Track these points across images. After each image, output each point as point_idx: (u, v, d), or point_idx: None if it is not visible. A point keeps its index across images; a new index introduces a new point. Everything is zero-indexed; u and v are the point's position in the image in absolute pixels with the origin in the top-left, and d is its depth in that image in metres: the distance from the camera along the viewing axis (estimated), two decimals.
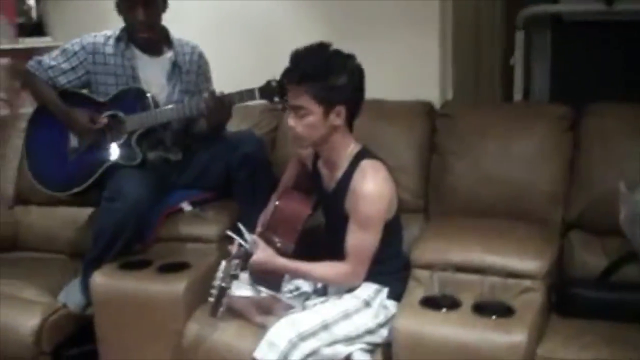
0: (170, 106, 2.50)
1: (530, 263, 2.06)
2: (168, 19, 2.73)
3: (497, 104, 2.95)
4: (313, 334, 1.95)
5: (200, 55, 2.69)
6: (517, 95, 3.17)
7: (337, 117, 2.04)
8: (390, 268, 2.14)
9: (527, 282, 2.05)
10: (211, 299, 1.94)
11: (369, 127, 2.63)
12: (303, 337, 1.94)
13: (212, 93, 2.43)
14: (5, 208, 2.93)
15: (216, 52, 2.78)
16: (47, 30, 3.37)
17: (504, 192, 2.44)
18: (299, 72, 2.02)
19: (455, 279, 2.07)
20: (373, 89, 2.78)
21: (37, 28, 3.35)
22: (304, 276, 2.15)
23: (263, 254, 2.07)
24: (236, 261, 1.94)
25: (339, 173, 2.12)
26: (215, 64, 2.75)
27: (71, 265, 2.69)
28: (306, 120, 2.03)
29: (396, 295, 2.13)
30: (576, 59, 3.10)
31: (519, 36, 3.13)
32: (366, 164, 2.06)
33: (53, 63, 2.53)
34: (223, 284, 1.91)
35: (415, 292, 2.11)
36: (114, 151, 2.51)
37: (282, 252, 2.13)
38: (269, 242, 2.13)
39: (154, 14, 2.52)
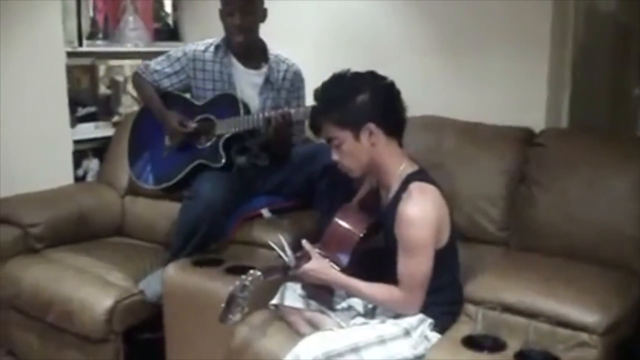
0: (251, 115, 2.58)
1: (589, 315, 1.85)
2: (283, 36, 2.88)
3: (598, 134, 2.67)
4: (340, 354, 1.91)
5: (295, 74, 2.75)
6: None
7: (371, 136, 2.02)
8: (439, 299, 2.04)
9: (584, 336, 1.84)
10: (222, 305, 1.97)
11: (460, 150, 2.58)
12: (329, 357, 1.90)
13: (281, 112, 2.49)
14: (118, 197, 3.20)
15: (328, 68, 2.83)
16: (182, 35, 3.63)
17: (589, 233, 2.23)
18: (320, 106, 2.09)
19: (503, 319, 1.92)
20: (476, 110, 2.73)
21: (172, 33, 3.62)
22: (356, 293, 2.11)
23: (317, 263, 2.08)
24: (258, 273, 1.95)
25: (391, 195, 2.07)
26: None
27: (163, 255, 2.86)
28: (343, 150, 2.04)
29: (443, 328, 2.03)
30: None
31: None
32: (414, 186, 1.99)
33: (158, 67, 2.72)
34: (233, 291, 1.93)
35: (462, 328, 2.00)
36: (202, 152, 2.64)
37: None
38: None
39: (250, 20, 2.63)
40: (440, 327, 2.03)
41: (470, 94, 2.81)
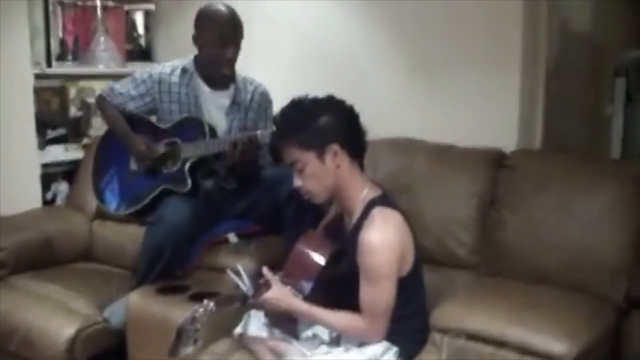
0: (217, 138, 2.53)
1: (556, 344, 1.79)
2: (257, 58, 2.85)
3: (569, 155, 2.64)
4: None
5: (262, 95, 2.71)
6: (615, 151, 2.82)
7: (335, 157, 1.96)
8: (405, 328, 1.98)
9: None
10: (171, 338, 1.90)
11: (429, 173, 2.53)
12: None
13: (248, 135, 2.45)
14: (86, 221, 3.13)
15: (302, 90, 2.80)
16: (154, 56, 3.58)
17: (560, 258, 2.18)
18: (281, 130, 2.03)
19: (469, 348, 1.87)
20: (448, 130, 2.69)
21: (144, 54, 3.57)
22: (318, 321, 2.04)
23: (277, 291, 2.00)
24: (211, 305, 1.87)
25: (353, 221, 2.01)
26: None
27: (130, 282, 2.79)
28: (306, 173, 1.98)
29: (409, 356, 1.97)
30: None
31: (620, 83, 2.78)
32: (376, 212, 1.94)
33: (123, 90, 2.66)
34: (182, 324, 1.85)
35: (428, 357, 1.94)
36: (168, 177, 2.58)
37: None
38: None
39: (238, 51, 2.60)
40: (406, 355, 1.97)
41: (443, 114, 2.77)
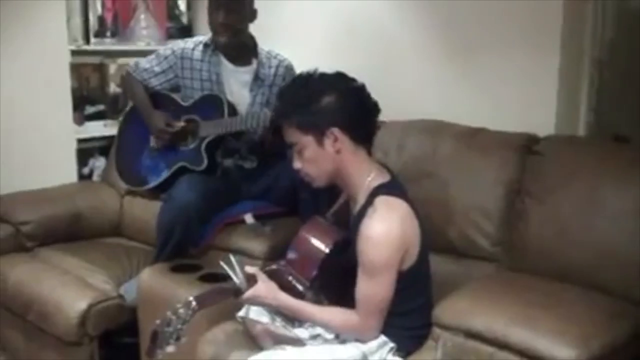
0: (235, 117, 2.47)
1: (563, 349, 1.63)
2: (290, 37, 2.79)
3: (605, 143, 2.41)
4: None
5: (287, 68, 2.63)
6: None
7: (335, 142, 1.83)
8: (407, 323, 1.88)
9: None
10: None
11: (455, 157, 2.38)
12: None
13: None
14: (117, 196, 3.14)
15: (334, 62, 2.70)
16: (195, 34, 3.55)
17: (585, 254, 2.00)
18: (281, 107, 1.91)
19: (467, 347, 1.74)
20: (482, 114, 2.53)
21: (185, 31, 3.55)
22: (308, 318, 1.94)
23: (264, 286, 1.90)
24: (193, 304, 1.77)
25: (357, 209, 1.89)
26: None
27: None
28: (305, 156, 1.87)
29: (407, 352, 1.86)
30: None
31: None
32: (380, 201, 1.80)
33: (147, 66, 2.65)
34: (156, 327, 1.76)
35: (426, 354, 1.82)
36: (185, 154, 2.55)
37: (292, 290, 1.96)
38: (280, 277, 1.98)
39: (237, 19, 2.52)
40: (405, 351, 1.86)
41: (478, 96, 2.61)
